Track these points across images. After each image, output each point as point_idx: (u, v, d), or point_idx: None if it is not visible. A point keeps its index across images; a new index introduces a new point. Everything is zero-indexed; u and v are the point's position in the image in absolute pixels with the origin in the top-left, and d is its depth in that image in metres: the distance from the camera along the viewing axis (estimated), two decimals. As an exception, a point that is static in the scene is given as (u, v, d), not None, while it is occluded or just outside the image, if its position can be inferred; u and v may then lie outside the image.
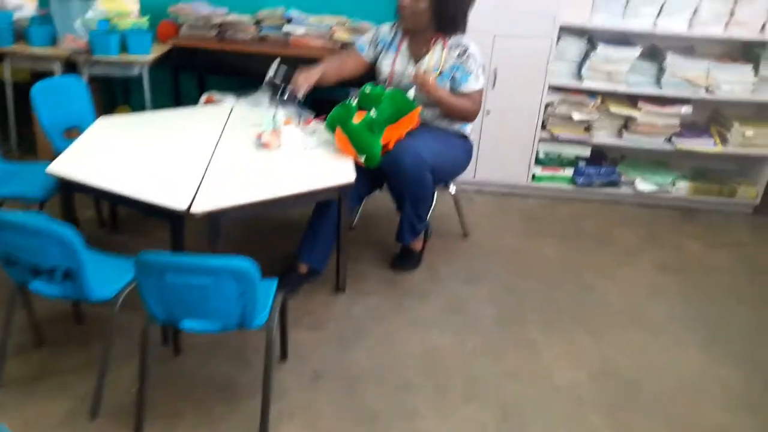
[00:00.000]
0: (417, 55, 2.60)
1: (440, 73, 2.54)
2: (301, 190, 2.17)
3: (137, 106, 3.65)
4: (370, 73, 2.79)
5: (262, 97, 3.48)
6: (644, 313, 2.60)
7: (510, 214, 3.39)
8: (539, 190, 3.58)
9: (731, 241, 3.27)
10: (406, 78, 2.60)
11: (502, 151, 3.43)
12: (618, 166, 3.58)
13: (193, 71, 3.60)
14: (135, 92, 3.74)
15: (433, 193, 2.58)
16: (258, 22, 3.45)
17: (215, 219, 2.02)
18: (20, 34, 3.29)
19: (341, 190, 2.30)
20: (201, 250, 2.20)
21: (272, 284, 1.87)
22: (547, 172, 3.54)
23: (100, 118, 2.65)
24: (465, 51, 2.53)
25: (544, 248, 3.04)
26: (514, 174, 3.51)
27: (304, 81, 2.52)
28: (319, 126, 2.63)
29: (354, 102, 2.42)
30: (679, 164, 3.65)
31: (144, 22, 3.33)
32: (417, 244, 2.75)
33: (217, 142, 2.43)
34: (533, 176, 3.53)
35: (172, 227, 2.06)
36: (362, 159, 2.42)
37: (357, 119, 2.39)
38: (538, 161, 3.51)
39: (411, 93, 2.54)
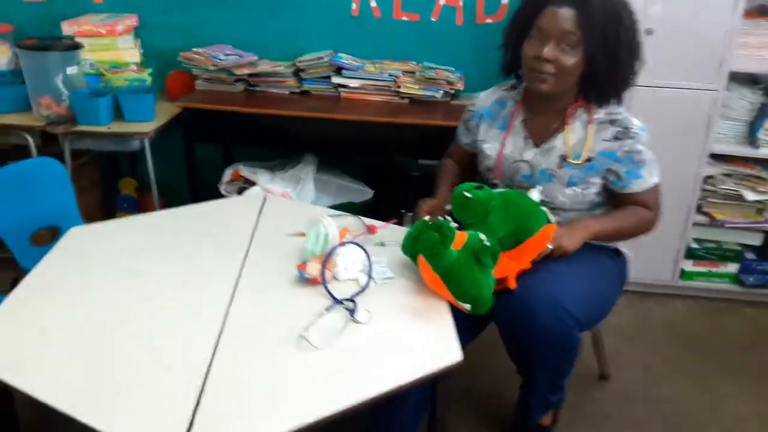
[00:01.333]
0: (541, 135, 1.66)
1: (587, 160, 1.60)
2: (370, 395, 1.23)
3: (147, 177, 2.79)
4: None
5: (306, 169, 2.60)
6: None
7: (654, 329, 2.39)
8: (689, 291, 2.58)
9: None
10: (521, 170, 1.67)
11: (640, 238, 2.45)
12: (797, 256, 2.57)
13: (212, 141, 2.73)
14: (144, 159, 2.91)
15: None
16: (298, 72, 2.58)
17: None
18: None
19: (438, 379, 1.36)
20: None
21: None
22: (702, 268, 2.54)
23: (70, 231, 1.77)
24: (627, 130, 1.58)
25: (725, 402, 2.03)
26: (654, 269, 2.52)
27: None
28: (393, 233, 1.73)
29: (450, 220, 1.47)
30: None
31: (146, 75, 2.48)
32: (546, 419, 1.79)
33: (236, 284, 1.52)
34: (681, 272, 2.54)
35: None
36: (466, 306, 1.49)
37: (456, 244, 1.46)
38: (689, 253, 2.51)
39: (535, 194, 1.59)
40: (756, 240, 2.52)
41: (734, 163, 2.37)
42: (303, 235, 1.77)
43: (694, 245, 2.52)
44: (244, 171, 2.52)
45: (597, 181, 1.62)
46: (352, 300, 1.45)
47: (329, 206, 2.55)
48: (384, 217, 2.63)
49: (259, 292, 1.50)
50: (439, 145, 2.37)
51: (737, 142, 2.37)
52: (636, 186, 1.60)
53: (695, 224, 2.45)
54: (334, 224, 1.66)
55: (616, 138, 1.57)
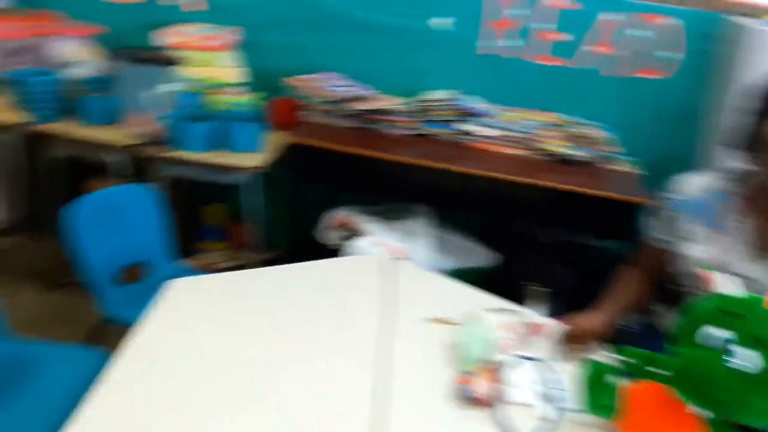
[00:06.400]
0: None
1: None
2: None
3: (239, 208, 2.37)
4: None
5: (420, 223, 2.25)
6: None
7: None
8: None
9: None
10: (740, 284, 1.26)
11: None
12: None
13: (314, 181, 2.39)
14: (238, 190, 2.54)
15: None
16: (418, 112, 2.26)
17: None
18: (71, 104, 2.18)
19: None
20: None
21: None
22: None
23: (172, 285, 1.45)
24: None
25: None
26: None
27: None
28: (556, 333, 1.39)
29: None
30: None
31: (255, 99, 2.18)
32: None
33: (374, 389, 1.18)
34: None
35: None
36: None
37: None
38: None
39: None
40: None
41: None
42: (447, 323, 1.45)
43: None
44: (354, 219, 2.19)
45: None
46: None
47: (451, 271, 2.21)
48: (509, 290, 2.27)
49: (414, 410, 1.16)
50: (580, 213, 2.04)
51: None
52: None
53: None
54: (497, 323, 1.33)
55: None
